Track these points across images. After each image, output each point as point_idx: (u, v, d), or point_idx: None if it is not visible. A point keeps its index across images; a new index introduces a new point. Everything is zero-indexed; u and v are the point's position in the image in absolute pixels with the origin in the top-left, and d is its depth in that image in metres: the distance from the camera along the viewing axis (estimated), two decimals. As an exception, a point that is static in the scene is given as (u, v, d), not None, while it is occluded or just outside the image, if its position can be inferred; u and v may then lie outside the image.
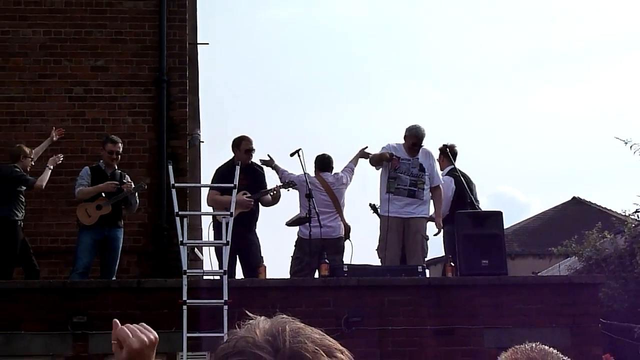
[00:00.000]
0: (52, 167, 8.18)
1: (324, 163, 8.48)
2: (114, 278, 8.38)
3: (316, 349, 0.94)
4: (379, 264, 8.27)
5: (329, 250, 7.94)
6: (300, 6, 46.57)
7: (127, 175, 8.68)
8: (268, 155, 8.79)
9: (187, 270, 7.42)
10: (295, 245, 8.51)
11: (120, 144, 8.53)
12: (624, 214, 14.15)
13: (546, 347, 1.56)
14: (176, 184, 7.88)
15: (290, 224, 8.48)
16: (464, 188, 8.14)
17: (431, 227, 8.31)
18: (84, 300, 7.58)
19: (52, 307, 7.52)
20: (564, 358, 1.49)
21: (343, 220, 8.34)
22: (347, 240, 8.54)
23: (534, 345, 1.52)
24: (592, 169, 42.78)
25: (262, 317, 1.01)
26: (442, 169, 8.52)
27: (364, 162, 8.51)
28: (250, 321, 0.99)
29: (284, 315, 1.03)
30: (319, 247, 7.90)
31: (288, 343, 0.92)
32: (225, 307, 7.10)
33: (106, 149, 8.43)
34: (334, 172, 8.56)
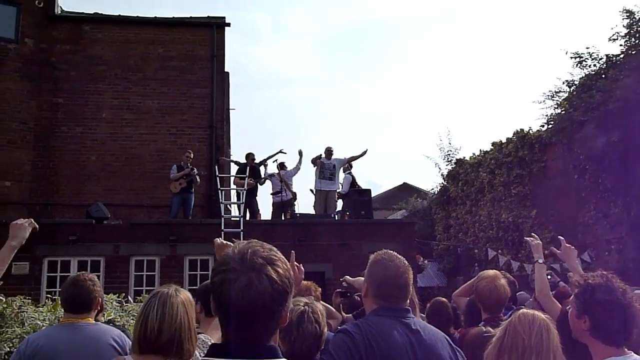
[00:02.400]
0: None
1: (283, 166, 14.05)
2: (189, 218, 13.23)
3: (263, 261, 1.54)
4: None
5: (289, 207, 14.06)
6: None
7: (195, 169, 13.16)
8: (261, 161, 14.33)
9: (223, 215, 12.61)
10: (272, 205, 14.22)
11: (191, 153, 13.48)
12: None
13: (391, 251, 2.69)
14: (218, 175, 13.98)
15: (272, 194, 14.12)
16: (354, 178, 14.42)
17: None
18: (175, 228, 12.26)
19: (161, 232, 12.19)
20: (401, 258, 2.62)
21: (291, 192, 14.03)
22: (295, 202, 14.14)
23: (385, 250, 2.63)
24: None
25: (242, 241, 1.63)
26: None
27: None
28: (236, 242, 1.65)
29: (255, 241, 1.65)
30: (284, 205, 13.95)
31: (248, 256, 1.54)
32: (242, 233, 11.74)
33: (185, 156, 13.34)
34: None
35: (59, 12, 16.47)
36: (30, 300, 5.48)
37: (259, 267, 1.50)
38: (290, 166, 14.36)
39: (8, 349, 4.23)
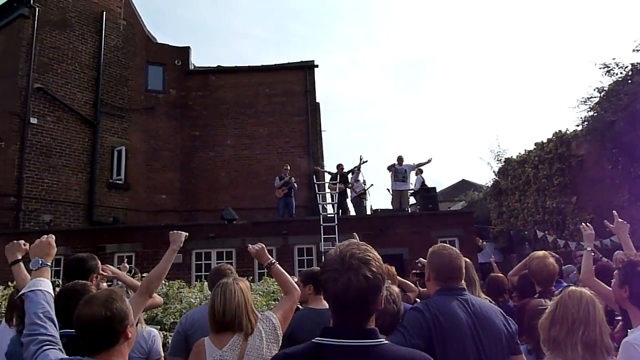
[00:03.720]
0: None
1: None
2: (294, 216, 13.37)
3: (359, 262, 1.49)
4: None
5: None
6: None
7: (292, 178, 13.23)
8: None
9: (321, 213, 12.66)
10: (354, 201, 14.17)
11: (288, 167, 13.48)
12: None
13: (445, 244, 2.57)
14: (315, 182, 14.32)
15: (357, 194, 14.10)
16: (423, 180, 14.22)
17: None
18: (286, 225, 12.33)
19: (276, 227, 12.27)
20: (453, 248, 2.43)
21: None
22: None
23: (440, 243, 2.45)
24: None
25: (342, 243, 1.55)
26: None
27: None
28: (337, 244, 1.57)
29: (354, 242, 1.59)
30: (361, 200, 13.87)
31: (347, 258, 1.51)
32: (336, 226, 11.43)
33: (284, 169, 13.37)
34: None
35: (192, 67, 17.36)
36: (184, 283, 5.86)
37: (356, 267, 1.50)
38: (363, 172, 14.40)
39: (172, 320, 4.50)
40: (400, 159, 13.65)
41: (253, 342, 2.46)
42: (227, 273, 3.44)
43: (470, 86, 70.42)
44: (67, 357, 1.88)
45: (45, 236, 2.34)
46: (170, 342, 3.34)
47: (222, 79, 17.13)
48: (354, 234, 3.61)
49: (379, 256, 1.59)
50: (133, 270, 6.23)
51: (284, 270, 2.89)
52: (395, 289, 2.67)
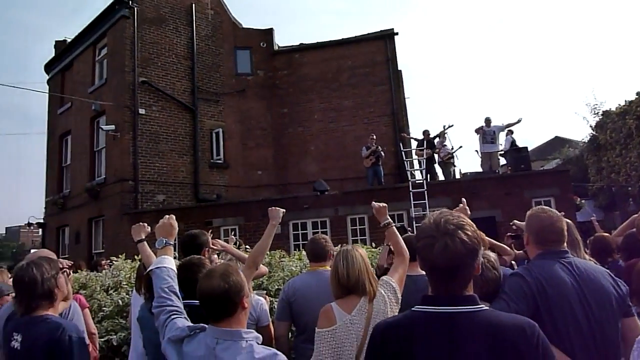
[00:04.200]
0: None
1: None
2: (383, 184, 13.34)
3: (454, 227, 1.47)
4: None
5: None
6: None
7: (379, 147, 13.16)
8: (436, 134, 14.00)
9: (410, 180, 12.43)
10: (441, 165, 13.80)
11: (374, 136, 13.45)
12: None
13: (543, 206, 2.39)
14: (402, 150, 14.15)
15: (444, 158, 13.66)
16: (513, 140, 13.37)
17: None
18: (376, 193, 11.95)
19: (366, 196, 12.70)
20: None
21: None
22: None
23: (539, 206, 2.28)
24: None
25: (434, 212, 1.55)
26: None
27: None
28: (429, 214, 1.63)
29: (445, 210, 1.57)
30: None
31: (442, 224, 1.48)
32: (425, 192, 11.34)
33: (370, 138, 13.29)
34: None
35: (277, 48, 17.60)
36: (284, 253, 6.08)
37: (451, 232, 1.46)
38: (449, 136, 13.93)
39: (277, 287, 4.71)
40: (488, 121, 13.01)
41: (378, 305, 2.47)
42: (322, 243, 3.50)
43: (561, 40, 64.70)
44: (191, 324, 2.03)
45: (167, 216, 2.52)
46: (275, 307, 3.49)
47: (306, 56, 17.20)
48: (462, 199, 3.45)
49: (472, 223, 1.53)
50: (238, 242, 6.56)
51: (397, 233, 2.87)
52: (492, 254, 2.56)
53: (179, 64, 15.38)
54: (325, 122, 16.52)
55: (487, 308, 1.52)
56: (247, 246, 6.55)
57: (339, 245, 6.32)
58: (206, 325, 1.97)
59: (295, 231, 12.37)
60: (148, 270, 2.29)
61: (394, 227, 2.89)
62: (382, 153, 13.42)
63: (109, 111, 14.55)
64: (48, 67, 18.78)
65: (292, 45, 17.76)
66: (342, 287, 2.50)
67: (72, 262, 4.16)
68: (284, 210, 3.17)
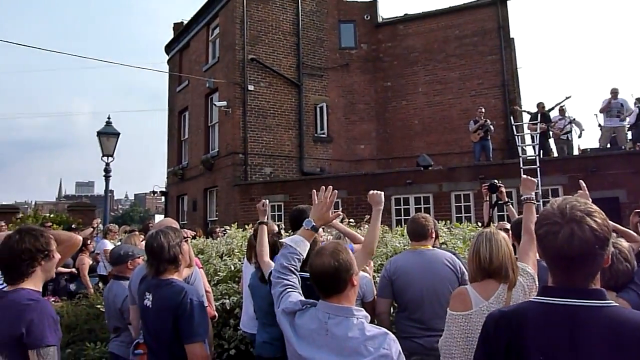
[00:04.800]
0: None
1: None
2: (491, 160, 12.71)
3: (582, 213, 1.36)
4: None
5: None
6: None
7: (487, 120, 12.43)
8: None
9: (520, 156, 11.63)
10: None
11: (482, 109, 12.68)
12: None
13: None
14: (513, 124, 12.89)
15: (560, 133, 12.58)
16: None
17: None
18: (482, 169, 12.34)
19: (472, 172, 12.45)
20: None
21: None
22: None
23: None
24: None
25: (557, 198, 1.44)
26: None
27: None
28: (551, 200, 1.46)
29: (569, 197, 1.45)
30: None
31: (567, 211, 1.37)
32: (537, 169, 10.52)
33: (478, 112, 12.61)
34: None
35: (380, 20, 17.26)
36: (387, 228, 6.04)
37: (579, 219, 1.35)
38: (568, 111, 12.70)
39: (380, 262, 4.72)
40: (614, 92, 11.73)
41: (517, 294, 2.34)
42: (422, 222, 3.45)
43: None
44: (304, 299, 2.14)
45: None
46: (377, 283, 3.54)
47: (410, 27, 16.69)
48: (581, 182, 3.19)
49: (601, 210, 1.40)
50: (342, 216, 6.68)
51: (534, 211, 2.67)
52: (625, 244, 2.33)
53: (285, 41, 15.74)
54: (430, 95, 16.02)
55: (616, 305, 1.39)
56: (351, 219, 6.67)
57: (442, 222, 6.18)
58: (317, 301, 2.06)
59: (397, 206, 12.29)
60: (284, 241, 2.38)
61: (533, 205, 2.71)
62: (492, 127, 12.74)
63: (222, 88, 15.39)
64: (168, 48, 20.27)
65: (396, 17, 17.30)
66: (482, 270, 2.38)
67: (195, 233, 4.51)
68: (382, 193, 3.11)
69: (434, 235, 3.55)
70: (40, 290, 2.30)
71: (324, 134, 15.96)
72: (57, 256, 2.36)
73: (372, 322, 3.54)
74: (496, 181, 4.29)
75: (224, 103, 14.73)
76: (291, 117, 15.50)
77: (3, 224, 11.90)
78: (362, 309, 2.06)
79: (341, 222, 6.02)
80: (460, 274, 3.24)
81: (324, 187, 2.52)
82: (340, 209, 12.25)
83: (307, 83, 15.87)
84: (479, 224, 5.85)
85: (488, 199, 4.39)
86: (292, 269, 2.26)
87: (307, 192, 12.75)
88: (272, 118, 15.17)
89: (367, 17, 17.00)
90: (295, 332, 2.03)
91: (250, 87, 14.86)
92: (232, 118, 14.70)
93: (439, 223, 4.97)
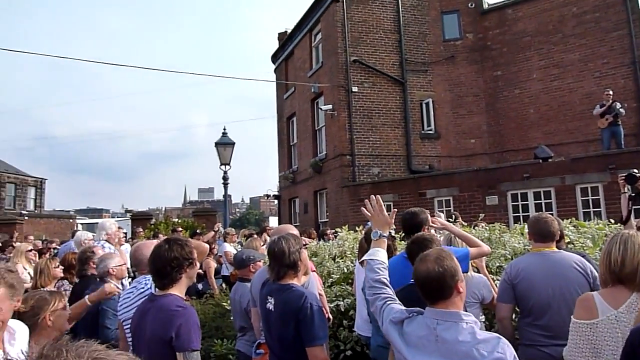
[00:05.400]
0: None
1: None
2: (622, 147, 11.58)
3: None
4: None
5: None
6: None
7: (617, 103, 11.48)
8: None
9: None
10: None
11: (610, 91, 11.61)
12: None
13: None
14: None
15: None
16: None
17: None
18: (612, 158, 11.01)
19: (600, 162, 11.48)
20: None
21: None
22: None
23: None
24: None
25: None
26: None
27: None
28: None
29: None
30: None
31: None
32: None
33: (605, 94, 11.52)
34: None
35: (486, 7, 16.42)
36: (504, 226, 5.68)
37: None
38: None
39: (498, 264, 4.50)
40: None
41: None
42: (547, 222, 3.21)
43: None
44: (406, 308, 2.15)
45: (374, 198, 2.62)
46: (497, 288, 3.38)
47: (520, 9, 15.64)
48: None
49: None
50: (455, 217, 6.48)
51: None
52: None
53: (386, 39, 15.64)
54: (546, 81, 14.87)
55: None
56: (463, 222, 6.44)
57: (568, 219, 5.69)
58: (422, 309, 2.06)
59: (514, 202, 11.58)
60: (361, 260, 2.47)
61: None
62: (622, 110, 11.50)
63: (326, 92, 15.71)
64: (274, 58, 21.20)
65: (504, 1, 16.31)
66: (612, 274, 2.20)
67: (310, 240, 4.64)
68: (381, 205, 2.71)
69: (558, 236, 3.31)
70: (184, 296, 2.56)
71: (431, 130, 15.58)
72: (198, 264, 2.61)
73: (492, 327, 3.41)
74: (635, 171, 3.88)
75: (330, 106, 15.03)
76: (397, 116, 15.35)
77: (140, 229, 13.34)
78: (470, 314, 2.02)
79: (454, 221, 5.85)
80: (592, 279, 2.99)
81: (367, 200, 2.66)
82: (452, 207, 11.87)
83: (411, 79, 15.62)
84: (611, 220, 5.31)
85: (626, 191, 3.94)
86: (384, 280, 2.31)
87: (416, 190, 12.68)
88: (377, 118, 15.16)
89: (471, 5, 16.28)
90: (405, 342, 2.04)
91: (354, 89, 14.99)
92: (338, 121, 14.94)
93: (563, 221, 4.61)
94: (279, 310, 2.69)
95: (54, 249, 9.36)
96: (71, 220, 29.01)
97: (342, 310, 4.60)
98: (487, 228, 5.43)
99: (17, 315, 2.42)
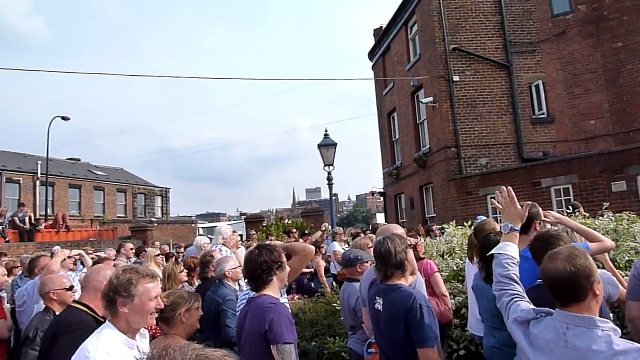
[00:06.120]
0: None
1: None
2: None
3: None
4: None
5: None
6: None
7: None
8: None
9: None
10: None
11: None
12: None
13: None
14: None
15: None
16: None
17: None
18: None
19: None
20: None
21: None
22: None
23: None
24: None
25: None
26: None
27: None
28: None
29: None
30: None
31: None
32: None
33: None
34: None
35: (601, -28, 14.90)
36: (633, 215, 5.13)
37: None
38: None
39: (627, 258, 4.09)
40: None
41: None
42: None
43: None
44: (534, 308, 2.03)
45: (505, 189, 2.51)
46: (627, 285, 3.09)
47: (642, -29, 14.00)
48: None
49: None
50: (573, 207, 6.00)
51: None
52: None
53: (487, 22, 14.88)
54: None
55: None
56: (585, 213, 5.93)
57: None
58: (552, 310, 1.93)
59: (645, 187, 10.41)
60: (489, 253, 2.39)
61: None
62: None
63: (426, 84, 15.35)
64: (371, 54, 21.18)
65: (622, -37, 14.68)
66: None
67: (417, 241, 4.62)
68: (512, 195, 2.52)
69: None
70: (278, 296, 2.71)
71: (543, 114, 14.53)
72: (288, 268, 2.76)
73: (623, 328, 3.12)
74: None
75: (430, 99, 14.67)
76: (503, 102, 14.55)
77: (253, 232, 14.11)
78: (608, 320, 1.83)
79: (573, 213, 5.42)
80: None
81: (497, 191, 2.52)
82: (572, 196, 11.00)
83: (517, 62, 14.70)
84: None
85: None
86: (513, 275, 2.20)
87: (529, 180, 11.95)
88: (482, 106, 14.50)
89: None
90: (530, 343, 1.94)
91: (455, 78, 14.48)
92: (440, 112, 14.54)
93: None
94: (387, 310, 2.72)
95: (181, 253, 10.27)
96: (193, 225, 31.46)
97: (454, 308, 4.49)
98: (613, 218, 4.95)
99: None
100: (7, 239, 16.75)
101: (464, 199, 13.33)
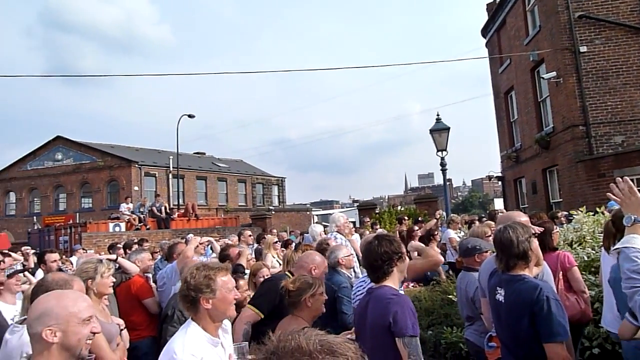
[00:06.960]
0: None
1: None
2: None
3: None
4: None
5: None
6: None
7: None
8: None
9: None
10: None
11: None
12: None
13: None
14: None
15: None
16: None
17: None
18: None
19: None
20: None
21: None
22: None
23: None
24: None
25: None
26: None
27: None
28: None
29: None
30: None
31: None
32: None
33: None
34: None
35: None
36: None
37: None
38: None
39: None
40: None
41: None
42: None
43: None
44: None
45: (623, 181, 2.25)
46: None
47: None
48: None
49: None
50: None
51: None
52: None
53: (620, -17, 13.26)
54: None
55: None
56: None
57: None
58: None
59: None
60: (614, 248, 2.17)
61: None
62: None
63: (547, 58, 14.15)
64: (484, 31, 19.98)
65: None
66: None
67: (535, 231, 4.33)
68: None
69: None
70: (398, 287, 2.70)
71: (693, 82, 12.64)
72: (407, 260, 2.74)
73: None
74: None
75: (553, 74, 13.49)
76: (641, 72, 12.91)
77: (367, 219, 14.22)
78: None
79: None
80: None
81: (612, 184, 2.26)
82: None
83: (659, 25, 12.92)
84: None
85: None
86: (638, 270, 1.97)
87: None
88: (615, 78, 13.01)
89: None
90: None
91: (583, 49, 13.14)
92: (565, 88, 13.32)
93: None
94: (510, 302, 2.59)
95: (300, 241, 10.71)
96: (308, 213, 32.58)
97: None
98: None
99: (286, 292, 2.92)
100: (147, 227, 18.80)
101: (595, 182, 12.12)
